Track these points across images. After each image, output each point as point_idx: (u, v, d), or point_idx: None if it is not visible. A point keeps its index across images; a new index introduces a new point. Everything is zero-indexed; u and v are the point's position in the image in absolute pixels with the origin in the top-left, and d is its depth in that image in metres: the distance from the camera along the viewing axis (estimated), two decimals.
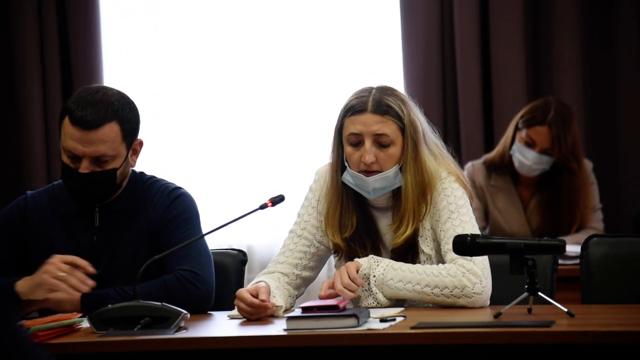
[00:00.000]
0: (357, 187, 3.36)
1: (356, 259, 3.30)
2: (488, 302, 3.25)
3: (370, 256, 3.29)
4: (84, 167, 3.39)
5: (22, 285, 3.33)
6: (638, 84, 5.79)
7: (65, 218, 3.50)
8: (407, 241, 3.33)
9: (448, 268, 3.24)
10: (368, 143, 3.31)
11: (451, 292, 3.22)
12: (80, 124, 3.37)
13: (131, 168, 3.53)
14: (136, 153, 3.51)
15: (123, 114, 3.42)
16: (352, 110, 3.34)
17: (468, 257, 3.22)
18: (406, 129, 3.33)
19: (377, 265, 3.25)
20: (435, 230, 3.34)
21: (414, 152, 3.33)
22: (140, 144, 3.51)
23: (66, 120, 3.40)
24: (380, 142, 3.32)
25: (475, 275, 3.22)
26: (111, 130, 3.39)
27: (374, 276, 3.24)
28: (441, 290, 3.22)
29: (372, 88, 3.37)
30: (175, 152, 6.08)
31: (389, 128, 3.32)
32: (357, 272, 3.25)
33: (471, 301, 3.21)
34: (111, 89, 3.47)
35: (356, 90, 3.40)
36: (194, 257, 3.43)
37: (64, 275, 3.29)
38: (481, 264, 3.23)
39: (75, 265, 3.31)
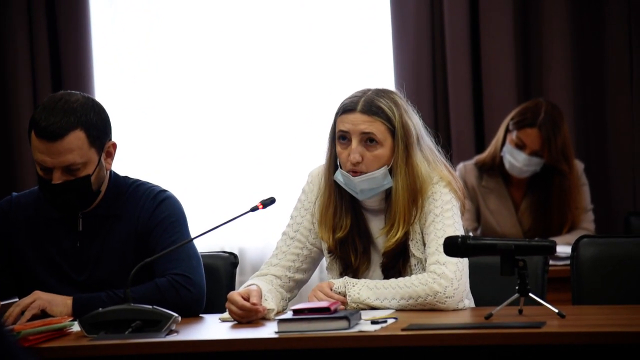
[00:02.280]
0: (347, 186, 3.36)
1: (330, 280, 3.31)
2: (464, 302, 3.26)
3: (345, 277, 3.31)
4: (57, 178, 3.37)
5: None
6: (628, 84, 5.79)
7: (49, 222, 3.49)
8: (399, 245, 3.34)
9: (420, 277, 3.26)
10: (355, 142, 3.32)
11: (425, 299, 3.23)
12: (44, 136, 3.35)
13: (114, 172, 3.51)
14: (110, 156, 3.47)
15: (87, 119, 3.38)
16: (343, 109, 3.36)
17: (442, 261, 3.24)
18: (396, 131, 3.33)
19: (353, 287, 3.26)
20: (423, 234, 3.35)
21: (405, 155, 3.33)
22: (114, 146, 3.48)
23: (32, 134, 3.38)
24: (367, 142, 3.32)
25: (446, 278, 3.23)
26: (77, 138, 3.36)
27: (350, 296, 3.25)
28: (416, 300, 3.24)
29: (368, 90, 3.38)
30: (166, 153, 6.07)
31: (376, 128, 3.32)
32: (331, 289, 3.26)
33: (445, 305, 3.23)
34: (75, 95, 3.43)
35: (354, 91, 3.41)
36: (184, 260, 3.42)
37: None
38: (454, 266, 3.25)
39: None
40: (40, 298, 3.33)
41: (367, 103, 3.33)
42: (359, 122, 3.32)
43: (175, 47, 6.07)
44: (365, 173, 3.32)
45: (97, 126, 3.41)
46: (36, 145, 3.37)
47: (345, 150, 3.34)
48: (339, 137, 3.35)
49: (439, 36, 5.86)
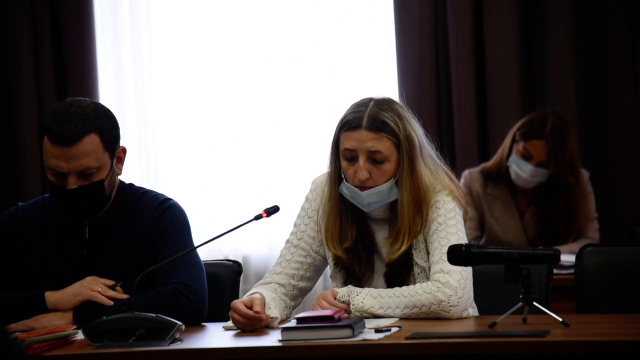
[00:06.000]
0: (353, 199, 3.36)
1: (333, 289, 3.32)
2: (468, 311, 3.26)
3: (349, 286, 3.30)
4: (72, 183, 3.37)
5: (52, 295, 3.38)
6: (631, 93, 5.79)
7: (56, 231, 3.49)
8: (403, 256, 3.34)
9: (424, 286, 3.26)
10: (362, 159, 3.31)
11: (429, 308, 3.23)
12: (59, 141, 3.35)
13: (120, 180, 3.52)
14: (121, 161, 3.49)
15: (101, 124, 3.40)
16: (347, 125, 3.33)
17: (446, 270, 3.23)
18: (402, 144, 3.32)
19: (357, 295, 3.26)
20: (426, 243, 3.35)
21: (410, 167, 3.33)
22: (124, 151, 3.50)
23: (45, 140, 3.38)
24: (374, 159, 3.32)
25: (450, 287, 3.23)
26: (92, 142, 3.37)
27: (354, 305, 3.25)
28: (420, 309, 3.24)
29: (370, 101, 3.36)
30: (170, 162, 6.06)
31: (383, 145, 3.31)
32: (335, 298, 3.26)
33: (449, 314, 3.23)
34: (85, 101, 3.45)
35: (355, 102, 3.39)
36: (186, 269, 3.42)
37: (102, 288, 3.37)
38: (458, 275, 3.24)
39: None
40: (39, 320, 3.34)
41: (372, 119, 3.31)
42: (365, 139, 3.31)
43: (179, 54, 6.06)
44: (373, 187, 3.32)
45: (110, 131, 3.43)
46: (50, 151, 3.37)
47: (352, 167, 3.33)
48: (344, 154, 3.34)
49: (443, 44, 5.86)
